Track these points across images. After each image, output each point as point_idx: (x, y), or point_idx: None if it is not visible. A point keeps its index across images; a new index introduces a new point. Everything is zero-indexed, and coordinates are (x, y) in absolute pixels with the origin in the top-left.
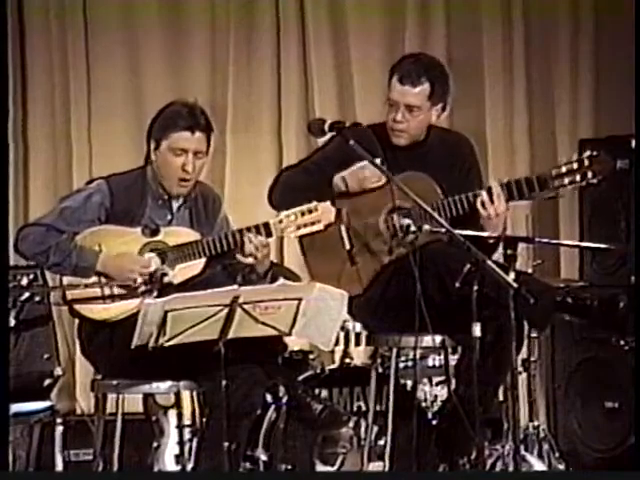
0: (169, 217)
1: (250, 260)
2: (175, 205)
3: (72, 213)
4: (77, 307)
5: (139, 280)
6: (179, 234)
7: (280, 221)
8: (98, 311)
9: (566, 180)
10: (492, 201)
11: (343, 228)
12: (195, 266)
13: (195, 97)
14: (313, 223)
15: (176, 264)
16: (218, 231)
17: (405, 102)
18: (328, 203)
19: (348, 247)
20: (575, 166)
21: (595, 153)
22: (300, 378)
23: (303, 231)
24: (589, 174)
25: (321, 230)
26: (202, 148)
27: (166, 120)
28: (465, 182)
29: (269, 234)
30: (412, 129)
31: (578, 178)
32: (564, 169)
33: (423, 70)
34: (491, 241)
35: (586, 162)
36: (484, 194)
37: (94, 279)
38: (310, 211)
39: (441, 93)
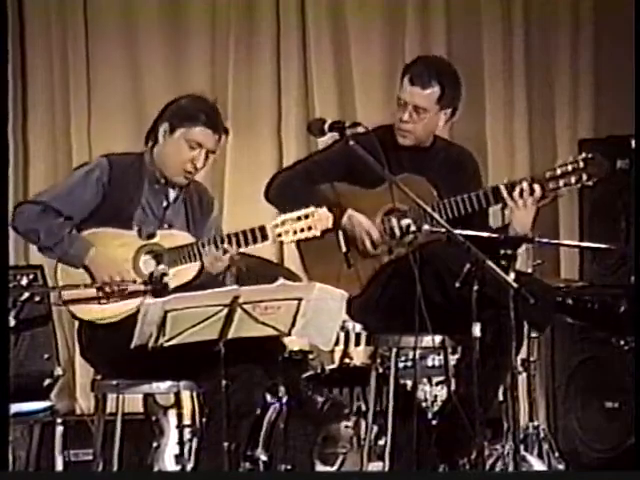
0: (165, 204)
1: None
2: (172, 194)
3: (71, 190)
4: (76, 308)
5: (139, 280)
6: (175, 237)
7: (276, 225)
8: (97, 311)
9: (561, 182)
10: (531, 192)
11: (339, 231)
12: (192, 268)
13: (216, 96)
14: (310, 228)
15: (172, 267)
16: (209, 230)
17: (413, 103)
18: (325, 209)
19: (344, 250)
20: (570, 168)
21: (590, 155)
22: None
23: (299, 236)
24: (584, 176)
25: (317, 236)
26: (215, 148)
27: (188, 110)
28: (464, 189)
29: (265, 238)
30: (418, 131)
31: (573, 180)
32: (559, 171)
33: (435, 73)
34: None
35: (581, 164)
36: (525, 184)
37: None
38: (307, 216)
39: (451, 98)
